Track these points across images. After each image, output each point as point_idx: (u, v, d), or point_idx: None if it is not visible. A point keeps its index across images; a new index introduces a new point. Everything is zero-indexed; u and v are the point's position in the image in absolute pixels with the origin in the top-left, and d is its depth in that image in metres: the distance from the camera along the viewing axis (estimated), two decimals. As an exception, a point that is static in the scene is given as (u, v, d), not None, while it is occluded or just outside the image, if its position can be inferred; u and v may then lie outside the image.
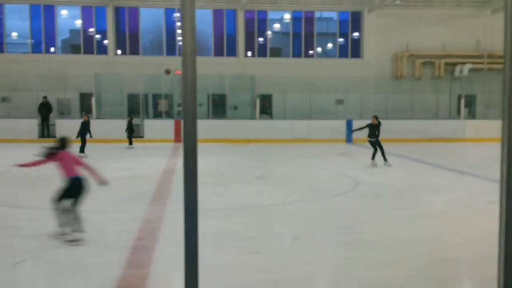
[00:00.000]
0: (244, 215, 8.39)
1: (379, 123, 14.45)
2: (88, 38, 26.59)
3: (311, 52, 27.73)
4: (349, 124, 23.69)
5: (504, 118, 2.84)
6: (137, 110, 24.70)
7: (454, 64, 26.64)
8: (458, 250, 6.38)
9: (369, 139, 14.56)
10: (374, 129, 14.40)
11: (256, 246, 6.36)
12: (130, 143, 19.98)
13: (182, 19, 2.63)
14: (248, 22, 27.16)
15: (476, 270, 5.70)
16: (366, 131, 14.58)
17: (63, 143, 6.63)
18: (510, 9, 2.74)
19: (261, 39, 27.42)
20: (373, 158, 14.41)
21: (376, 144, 14.40)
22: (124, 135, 20.70)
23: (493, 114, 24.25)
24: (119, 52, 26.62)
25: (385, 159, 14.33)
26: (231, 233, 7.16)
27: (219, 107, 26.29)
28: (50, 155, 6.52)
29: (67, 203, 6.33)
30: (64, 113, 24.86)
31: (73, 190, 6.36)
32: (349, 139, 23.24)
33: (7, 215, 8.33)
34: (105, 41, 26.37)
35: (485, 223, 7.53)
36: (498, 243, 2.96)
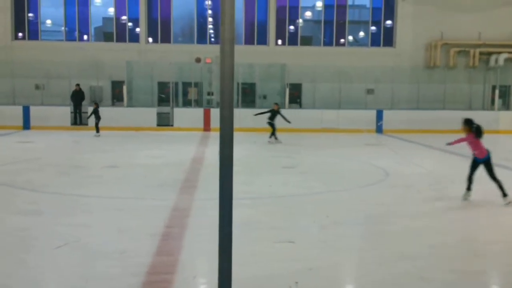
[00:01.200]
0: (273, 204, 8.40)
1: (278, 110, 18.08)
2: (121, 26, 26.84)
3: (342, 40, 27.42)
4: (379, 114, 23.42)
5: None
6: (167, 98, 24.89)
7: (490, 54, 26.00)
8: (492, 243, 6.26)
9: (269, 121, 18.02)
10: (274, 114, 17.96)
11: (284, 235, 6.36)
12: (97, 130, 19.46)
13: (221, 7, 2.62)
14: (280, 10, 26.98)
15: (510, 263, 5.58)
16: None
17: None
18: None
19: (292, 27, 27.23)
20: (270, 137, 17.82)
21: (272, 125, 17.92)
22: (154, 123, 20.90)
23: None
24: (150, 40, 26.81)
25: (275, 138, 17.70)
26: (260, 222, 7.18)
27: (248, 96, 26.27)
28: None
29: None
30: (95, 101, 25.26)
31: None
32: (379, 130, 23.00)
33: (46, 201, 8.52)
34: (137, 29, 26.58)
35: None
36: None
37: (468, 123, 8.48)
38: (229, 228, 2.69)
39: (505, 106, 26.24)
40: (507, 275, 5.32)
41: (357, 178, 11.20)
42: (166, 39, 26.76)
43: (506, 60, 25.43)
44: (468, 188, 8.52)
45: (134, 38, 26.60)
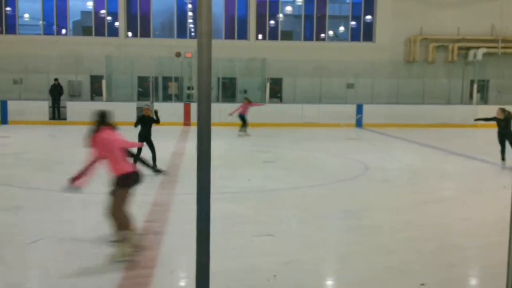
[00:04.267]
0: (253, 199, 8.42)
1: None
2: (100, 20, 26.53)
3: (322, 35, 27.49)
4: (359, 108, 23.57)
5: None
6: (147, 93, 24.72)
7: (468, 49, 26.29)
8: (468, 236, 6.36)
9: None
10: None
11: (264, 229, 6.38)
12: None
13: (198, 1, 2.60)
14: (260, 5, 26.93)
15: (485, 256, 5.67)
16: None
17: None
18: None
19: (272, 22, 27.20)
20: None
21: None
22: (134, 118, 20.65)
23: (506, 99, 23.99)
24: (130, 34, 26.57)
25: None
26: (240, 216, 7.19)
27: (229, 90, 26.22)
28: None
29: None
30: (75, 96, 24.94)
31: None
32: (359, 124, 23.15)
33: (21, 196, 8.41)
34: (116, 23, 26.31)
35: (495, 208, 7.49)
36: (510, 228, 2.95)
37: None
38: (207, 222, 2.69)
39: (483, 101, 26.58)
40: (484, 268, 5.40)
41: (337, 172, 11.27)
42: (145, 33, 26.53)
43: (484, 55, 25.73)
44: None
45: (113, 32, 26.32)
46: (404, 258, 5.44)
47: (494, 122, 11.43)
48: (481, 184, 9.79)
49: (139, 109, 23.10)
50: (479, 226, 6.73)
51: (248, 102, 19.19)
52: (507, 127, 11.07)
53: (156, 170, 9.96)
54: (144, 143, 9.95)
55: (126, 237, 5.10)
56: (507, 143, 11.04)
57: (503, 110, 11.26)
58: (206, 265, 2.74)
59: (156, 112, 10.74)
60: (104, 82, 23.95)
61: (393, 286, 4.70)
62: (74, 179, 5.35)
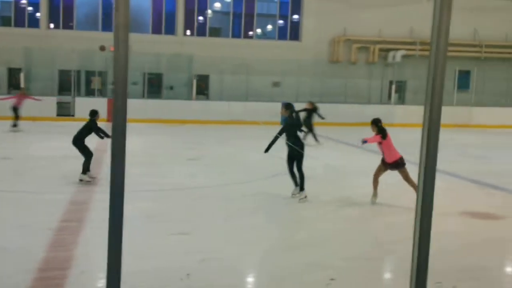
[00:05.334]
0: (175, 197, 8.37)
1: None
2: (20, 10, 25.31)
3: (250, 33, 27.67)
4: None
5: (426, 103, 2.97)
6: (68, 87, 23.87)
7: (388, 50, 27.32)
8: (383, 230, 6.63)
9: None
10: None
11: (186, 227, 6.36)
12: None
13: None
14: (188, 0, 26.70)
15: (396, 248, 5.94)
16: None
17: None
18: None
19: (201, 18, 27.05)
20: None
21: None
22: (54, 113, 19.99)
23: (422, 100, 25.09)
24: (52, 25, 25.54)
25: None
26: (162, 214, 7.12)
27: (155, 86, 25.82)
28: None
29: None
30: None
31: None
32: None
33: None
34: (38, 14, 25.20)
35: (408, 204, 7.85)
36: (414, 222, 3.10)
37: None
38: (119, 221, 2.64)
39: (401, 101, 27.77)
40: (400, 261, 5.65)
41: (261, 170, 11.39)
42: (68, 25, 25.59)
43: (403, 56, 26.84)
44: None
45: (34, 23, 25.19)
46: (323, 253, 5.60)
47: None
48: (399, 180, 10.21)
49: (59, 104, 22.32)
50: (396, 220, 7.03)
51: (23, 94, 17.90)
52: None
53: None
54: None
55: None
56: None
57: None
58: (118, 265, 2.69)
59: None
60: (22, 75, 22.91)
61: (308, 281, 4.82)
62: None
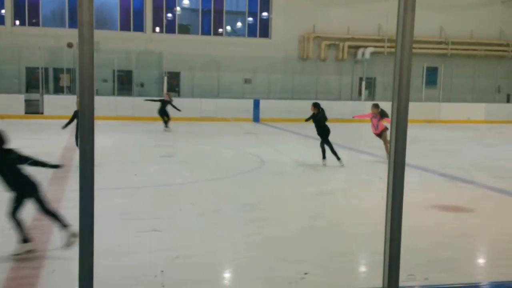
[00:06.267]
0: (148, 194, 8.31)
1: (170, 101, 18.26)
2: (-17, 7, 24.72)
3: (220, 30, 27.62)
4: (256, 103, 23.98)
5: (393, 100, 3.04)
6: (36, 85, 23.43)
7: (357, 47, 27.65)
8: (357, 225, 6.71)
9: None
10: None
11: (160, 225, 6.33)
12: None
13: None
14: (156, -3, 26.49)
15: (373, 244, 6.02)
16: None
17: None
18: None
19: (169, 15, 26.87)
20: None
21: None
22: (22, 110, 19.59)
23: (390, 96, 25.45)
24: (17, 22, 25.00)
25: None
26: (135, 212, 7.07)
27: (125, 83, 25.56)
28: None
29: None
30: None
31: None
32: (256, 119, 23.55)
33: None
34: (2, 11, 24.64)
35: (379, 198, 7.98)
36: (385, 217, 3.17)
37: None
38: (90, 220, 2.63)
39: (371, 97, 28.13)
40: (371, 255, 5.75)
41: (234, 166, 11.42)
42: (34, 22, 25.11)
43: (372, 53, 27.22)
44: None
45: (-1, 20, 24.66)
46: (295, 248, 5.65)
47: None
48: (368, 175, 10.38)
49: (27, 101, 21.91)
50: (367, 215, 7.14)
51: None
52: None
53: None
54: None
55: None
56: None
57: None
58: (90, 265, 2.69)
59: None
60: (-13, 72, 22.41)
61: (279, 276, 4.85)
62: None
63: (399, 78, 3.02)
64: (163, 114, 17.95)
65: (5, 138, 5.25)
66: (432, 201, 7.96)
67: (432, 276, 4.82)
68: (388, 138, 9.28)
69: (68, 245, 5.14)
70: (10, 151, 5.23)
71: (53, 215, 5.31)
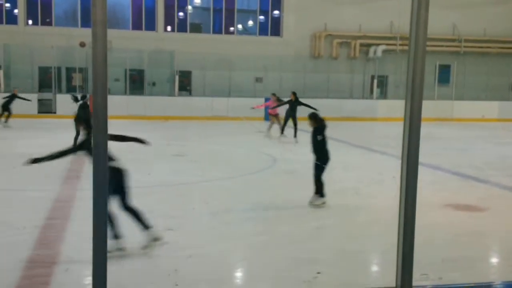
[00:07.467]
0: (161, 193, 8.34)
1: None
2: (-3, 7, 24.96)
3: (231, 29, 27.62)
4: (267, 102, 23.93)
5: (407, 98, 3.02)
6: (49, 84, 23.61)
7: (369, 45, 27.49)
8: (370, 223, 6.69)
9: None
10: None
11: (173, 224, 6.35)
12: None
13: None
14: (168, -4, 26.55)
15: (386, 242, 6.00)
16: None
17: None
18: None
19: (181, 13, 26.92)
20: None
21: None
22: (35, 110, 19.72)
23: (403, 94, 25.30)
24: (30, 22, 25.20)
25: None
26: (148, 211, 7.08)
27: (137, 83, 25.67)
28: None
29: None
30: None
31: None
32: (267, 118, 23.52)
33: None
34: (15, 11, 24.85)
35: (392, 197, 7.94)
36: (399, 216, 3.15)
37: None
38: (103, 219, 2.64)
39: (383, 95, 27.99)
40: (384, 254, 5.72)
41: (246, 165, 11.42)
42: (47, 21, 25.29)
43: (384, 51, 27.05)
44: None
45: (12, 20, 24.84)
46: (308, 247, 5.63)
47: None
48: (380, 174, 10.32)
49: (40, 101, 22.07)
50: (380, 214, 7.10)
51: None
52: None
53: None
54: None
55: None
56: None
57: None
58: (103, 263, 2.69)
59: None
60: (1, 72, 22.61)
61: (293, 275, 4.84)
62: None
63: (413, 76, 3.00)
64: (6, 110, 17.82)
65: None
66: (445, 200, 7.90)
67: (446, 276, 4.79)
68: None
69: (147, 247, 5.21)
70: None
71: (134, 213, 5.36)
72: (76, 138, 10.79)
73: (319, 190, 7.53)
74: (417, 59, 2.94)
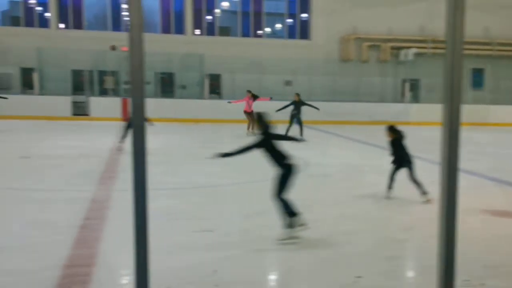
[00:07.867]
0: (195, 195, 8.39)
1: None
2: (29, 10, 25.53)
3: (260, 32, 27.68)
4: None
5: (445, 102, 2.96)
6: (82, 87, 24.05)
7: (400, 48, 27.23)
8: (404, 229, 6.61)
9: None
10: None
11: (208, 225, 6.39)
12: None
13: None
14: (196, -1, 26.78)
15: (422, 249, 5.92)
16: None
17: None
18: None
19: (209, 17, 27.10)
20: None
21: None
22: (69, 112, 20.09)
23: (436, 98, 25.02)
24: (61, 26, 25.70)
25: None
26: (183, 212, 7.15)
27: (167, 86, 25.94)
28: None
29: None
30: (3, 88, 23.89)
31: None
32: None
33: None
34: (47, 14, 25.38)
35: (431, 201, 7.84)
36: (439, 221, 3.10)
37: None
38: (144, 218, 2.66)
39: (415, 99, 27.66)
40: (420, 260, 5.64)
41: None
42: (78, 25, 25.75)
43: (415, 54, 26.75)
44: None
45: (44, 23, 25.39)
46: (343, 251, 5.60)
47: None
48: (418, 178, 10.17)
49: (74, 103, 22.49)
50: (415, 220, 7.02)
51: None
52: None
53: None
54: None
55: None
56: None
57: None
58: (145, 263, 2.71)
59: None
60: (36, 75, 23.11)
61: (330, 279, 4.82)
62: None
63: (451, 80, 2.93)
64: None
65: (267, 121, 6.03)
66: (482, 206, 7.76)
67: (489, 282, 4.70)
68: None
69: (296, 232, 5.80)
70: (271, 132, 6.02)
71: (284, 204, 5.95)
72: None
73: (420, 189, 8.04)
74: (455, 64, 2.88)
